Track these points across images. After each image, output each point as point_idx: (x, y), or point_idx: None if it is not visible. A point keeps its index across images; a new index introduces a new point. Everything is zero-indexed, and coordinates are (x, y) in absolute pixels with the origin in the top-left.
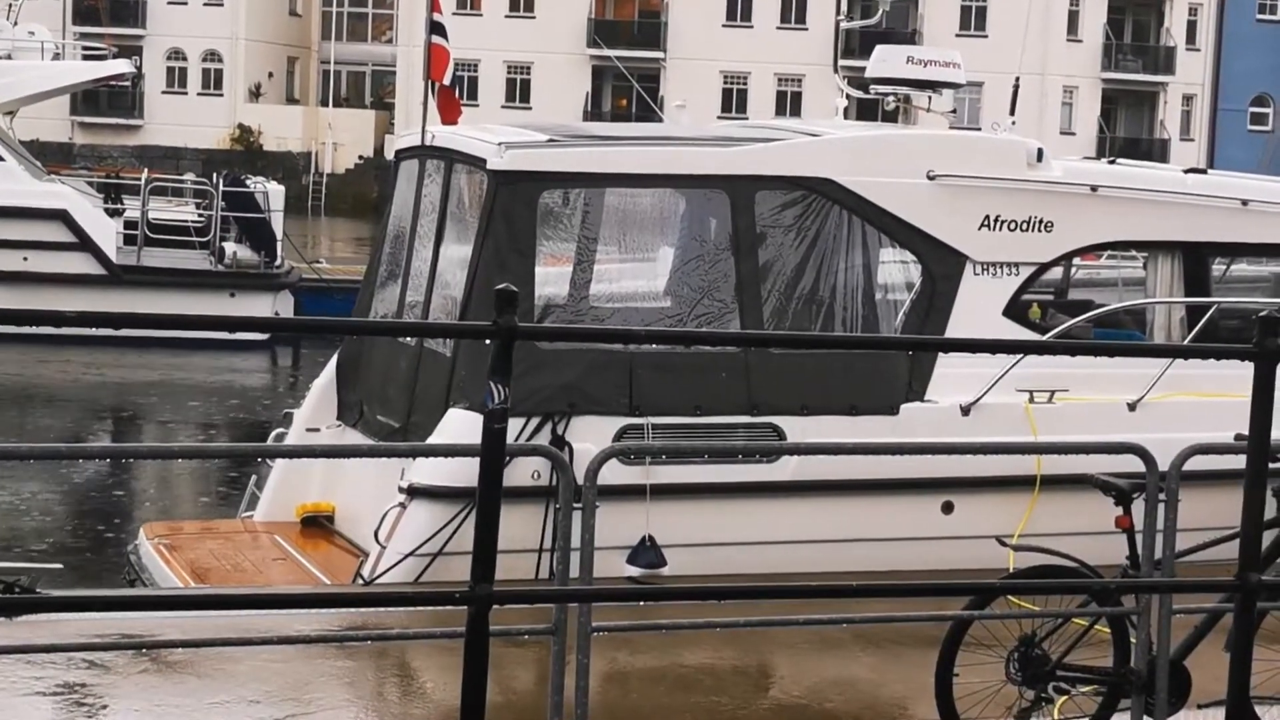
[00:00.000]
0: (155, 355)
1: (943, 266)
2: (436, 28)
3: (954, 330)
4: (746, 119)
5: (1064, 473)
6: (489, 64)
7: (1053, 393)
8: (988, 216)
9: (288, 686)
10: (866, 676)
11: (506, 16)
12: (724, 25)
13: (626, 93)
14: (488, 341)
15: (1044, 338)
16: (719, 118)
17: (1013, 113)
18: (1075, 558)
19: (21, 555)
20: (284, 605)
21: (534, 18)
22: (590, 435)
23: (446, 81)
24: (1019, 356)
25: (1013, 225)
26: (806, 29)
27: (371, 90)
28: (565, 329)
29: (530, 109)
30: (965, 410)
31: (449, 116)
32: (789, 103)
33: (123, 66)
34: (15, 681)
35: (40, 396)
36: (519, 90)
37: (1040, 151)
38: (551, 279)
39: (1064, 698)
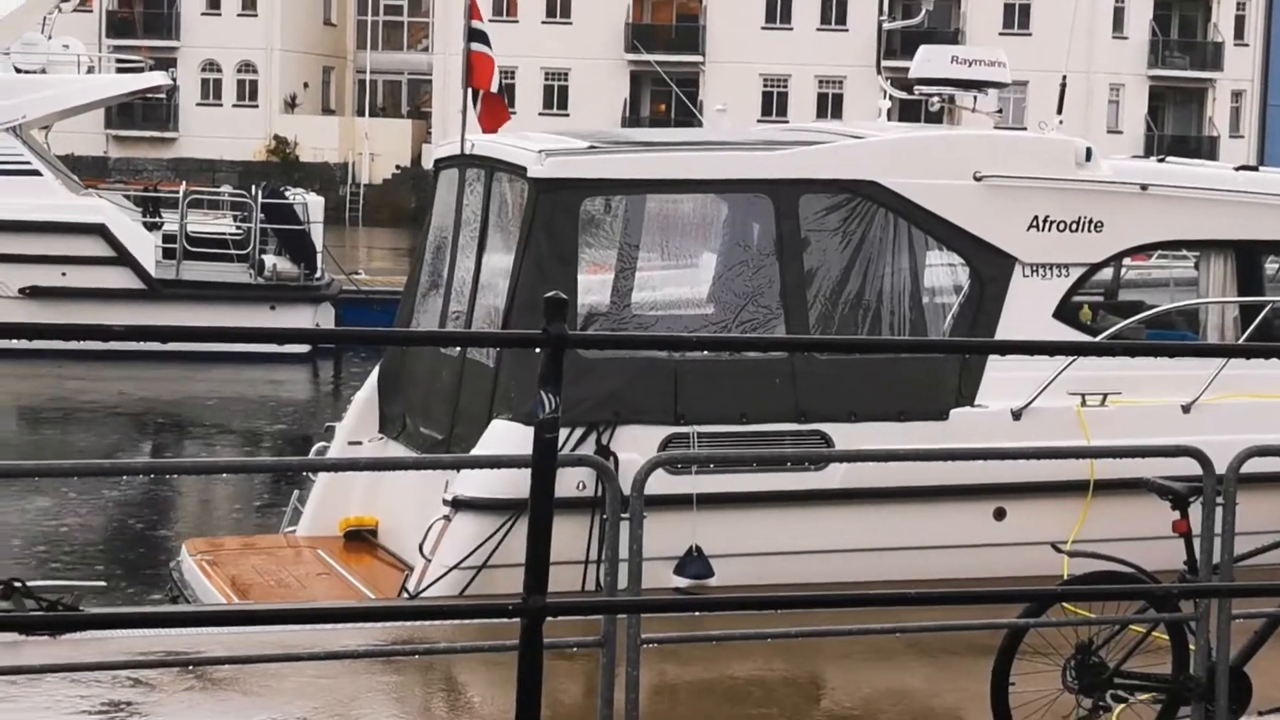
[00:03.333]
0: (196, 369)
1: (991, 269)
2: (477, 35)
3: (1003, 334)
4: (787, 122)
5: (1118, 477)
6: (526, 71)
7: (1105, 396)
8: (1036, 217)
9: (334, 703)
10: (920, 687)
11: (543, 23)
12: (763, 27)
13: (665, 98)
14: (537, 351)
15: (1096, 340)
16: (759, 121)
17: (1060, 111)
18: (1132, 563)
19: (64, 573)
20: (332, 620)
21: (571, 24)
22: (635, 445)
23: (493, 89)
24: (1070, 359)
25: (1061, 226)
26: (847, 30)
27: (408, 99)
28: (615, 336)
29: (568, 116)
30: (1016, 415)
31: (490, 124)
32: (830, 105)
33: (158, 78)
34: (61, 700)
35: (81, 413)
36: (556, 97)
37: (1089, 150)
38: (594, 287)
39: (1122, 706)
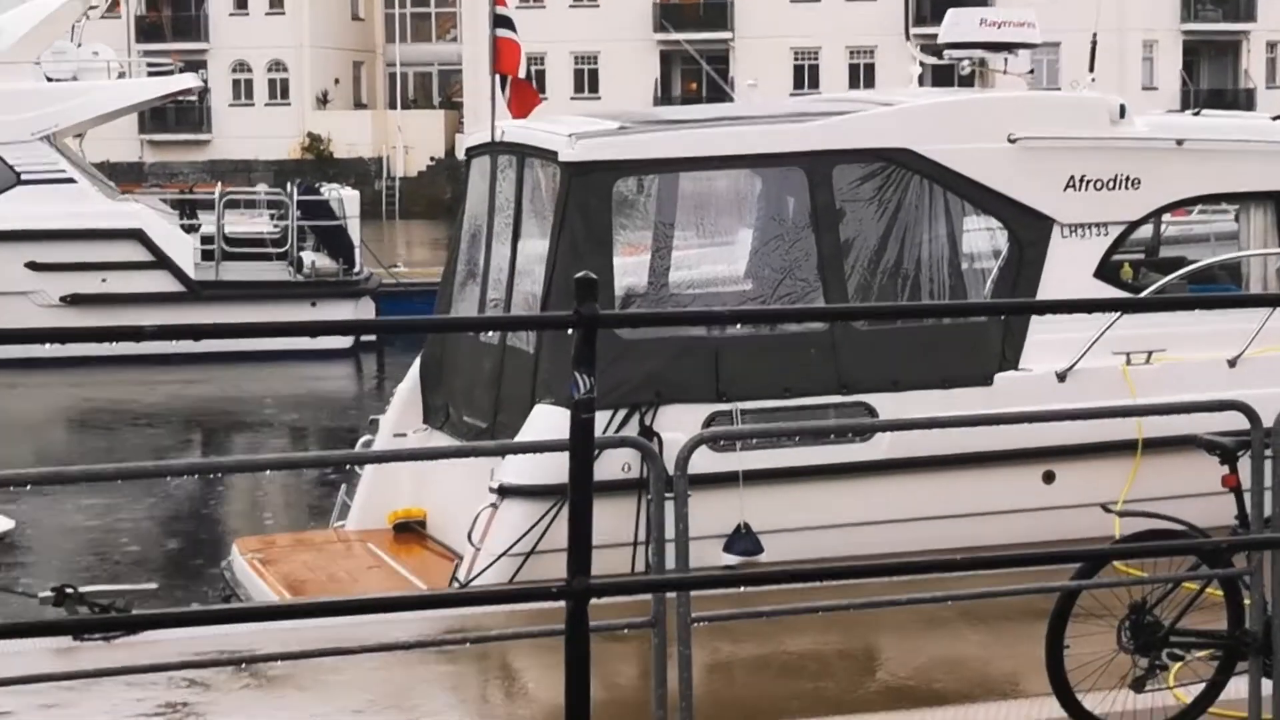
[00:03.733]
0: (239, 369)
1: (1029, 231)
2: (503, 21)
3: (1044, 295)
4: (819, 94)
5: (1166, 435)
6: (555, 56)
7: (1150, 353)
8: (1072, 177)
9: (389, 694)
10: (975, 654)
11: (571, 7)
12: (791, 1)
13: (696, 76)
14: (569, 332)
15: (1140, 295)
16: (791, 95)
17: (1092, 70)
18: (1183, 521)
19: (115, 578)
20: (380, 610)
21: (598, 6)
22: (679, 424)
23: (521, 74)
24: (1113, 319)
25: (1099, 184)
26: None
27: (439, 90)
28: (647, 314)
29: (599, 99)
30: (1061, 376)
31: (520, 110)
32: (862, 75)
33: (189, 81)
34: (117, 704)
35: (126, 417)
36: (587, 80)
37: (1122, 107)
38: (630, 269)
39: (1179, 664)
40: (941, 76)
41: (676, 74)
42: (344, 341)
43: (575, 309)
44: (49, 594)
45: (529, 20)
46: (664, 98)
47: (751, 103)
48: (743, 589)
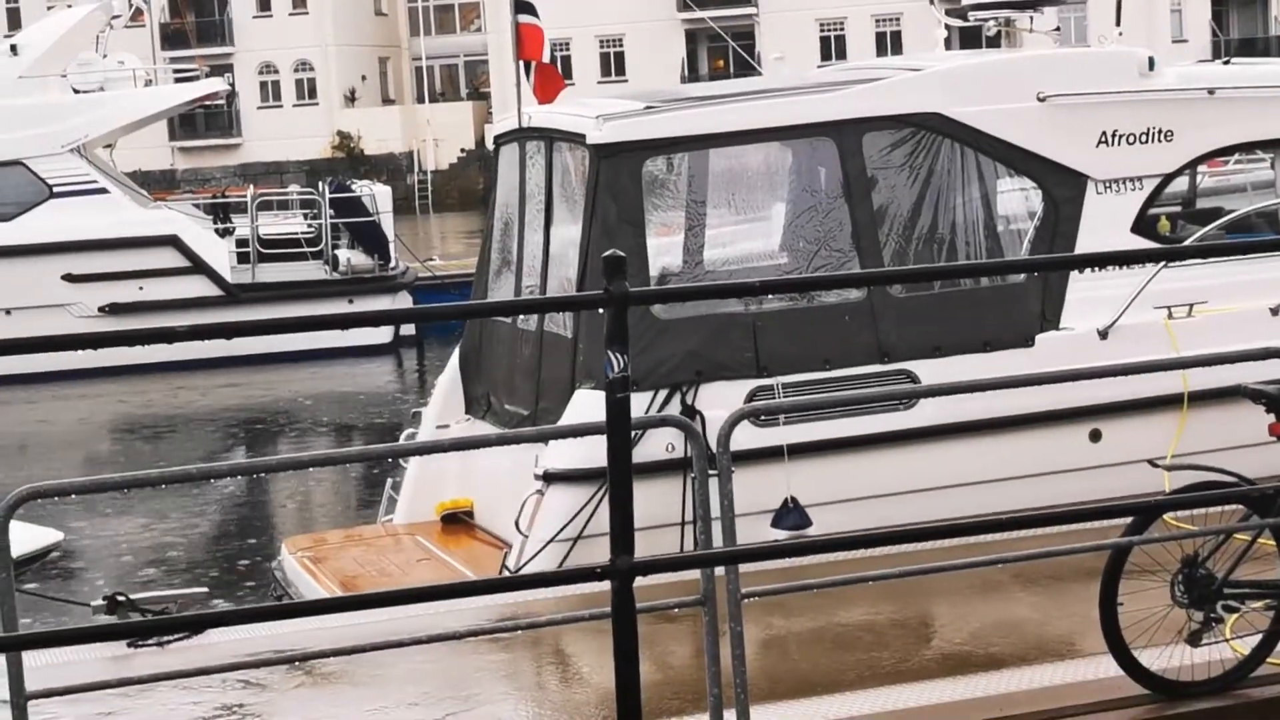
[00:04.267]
0: (279, 370)
1: (1064, 189)
2: (524, 7)
3: (1082, 252)
4: (847, 64)
5: (1212, 387)
6: (580, 40)
7: (1191, 306)
8: (1104, 133)
9: (445, 685)
10: (1029, 616)
11: None
12: None
13: (722, 53)
14: (601, 312)
15: (1182, 244)
16: (819, 67)
17: (1118, 24)
18: (1233, 472)
19: (166, 583)
20: (429, 599)
21: None
22: (721, 401)
23: (545, 58)
24: (1153, 273)
25: (1131, 139)
26: None
27: (466, 81)
28: (676, 289)
29: (626, 80)
30: (1103, 334)
31: (546, 95)
32: (889, 43)
33: (216, 85)
34: (173, 709)
35: (169, 423)
36: (613, 63)
37: (1151, 60)
38: (664, 249)
39: (1234, 615)
40: (969, 39)
41: (703, 52)
42: (383, 336)
43: (605, 287)
44: (101, 603)
45: (552, 5)
46: (691, 76)
47: (779, 76)
48: (793, 562)
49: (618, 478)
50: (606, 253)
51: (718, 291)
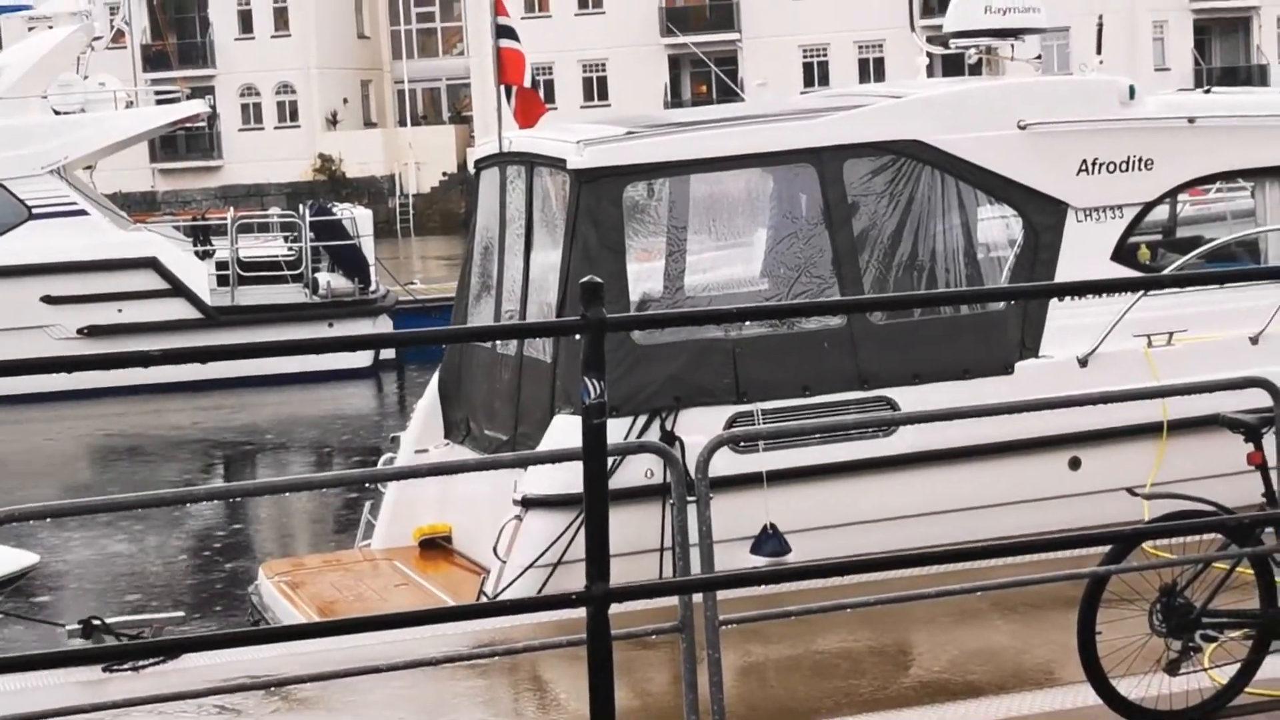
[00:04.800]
0: (257, 394)
1: (1044, 217)
2: (505, 31)
3: (1061, 281)
4: (829, 90)
5: (1191, 415)
6: (563, 64)
7: (1171, 334)
8: (1084, 161)
9: (422, 711)
10: (1008, 644)
11: (576, 15)
12: None
13: (705, 79)
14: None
15: (1160, 274)
16: (801, 93)
17: (1099, 52)
18: (1212, 501)
19: (141, 608)
20: (404, 625)
21: (604, 13)
22: (700, 427)
23: (526, 83)
24: (1133, 301)
25: (1111, 167)
26: None
27: (448, 105)
28: (654, 316)
29: (609, 105)
30: (1083, 361)
31: (527, 120)
32: (872, 69)
33: (196, 107)
34: None
35: (147, 446)
36: (596, 88)
37: (1131, 88)
38: (645, 274)
39: (1213, 645)
40: (951, 66)
41: (686, 77)
42: (363, 360)
43: (582, 313)
44: (76, 626)
45: (535, 30)
46: (674, 102)
47: (762, 102)
48: (771, 589)
49: (594, 504)
50: (584, 279)
51: (695, 318)
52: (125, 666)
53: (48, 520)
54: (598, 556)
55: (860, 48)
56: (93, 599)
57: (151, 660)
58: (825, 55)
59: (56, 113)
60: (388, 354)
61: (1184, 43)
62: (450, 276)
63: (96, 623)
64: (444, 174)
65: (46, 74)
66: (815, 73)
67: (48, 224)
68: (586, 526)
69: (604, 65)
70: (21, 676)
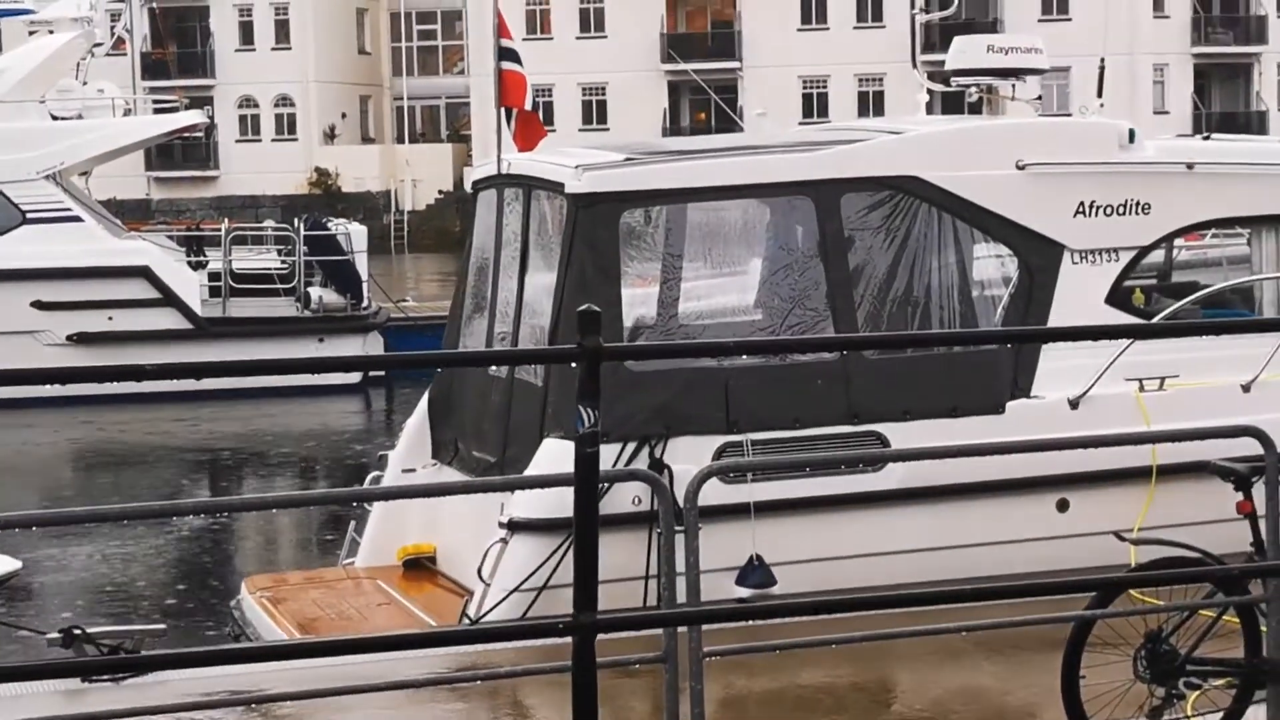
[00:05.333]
0: (246, 406)
1: (1039, 258)
2: (508, 53)
3: (1055, 323)
4: (829, 122)
5: (1181, 461)
6: (563, 87)
7: (1163, 379)
8: (1082, 203)
9: None
10: (991, 685)
11: (578, 38)
12: (799, 29)
13: (705, 106)
14: (573, 365)
15: (1152, 322)
16: (800, 124)
17: (1100, 95)
18: (1199, 548)
19: (124, 618)
20: (387, 648)
21: (605, 37)
22: (689, 456)
23: (527, 106)
24: (1126, 345)
25: (1109, 210)
26: (884, 26)
27: (447, 123)
28: (652, 347)
29: (608, 129)
30: (1074, 404)
31: (527, 143)
32: (871, 103)
33: (194, 117)
34: None
35: (133, 456)
36: (595, 112)
37: (1131, 132)
38: (639, 300)
39: (1196, 693)
40: (951, 104)
41: (685, 104)
42: (352, 377)
43: (578, 342)
44: (57, 635)
45: (536, 51)
46: (673, 128)
47: (761, 132)
48: (756, 621)
49: (584, 533)
50: (581, 307)
51: (691, 350)
52: (105, 678)
53: (32, 528)
54: (586, 586)
55: (860, 81)
56: (74, 607)
57: (132, 672)
58: (825, 87)
59: (54, 118)
60: (378, 371)
61: (1184, 87)
62: (443, 295)
63: (78, 632)
64: (440, 192)
65: (46, 79)
66: (814, 104)
67: (41, 229)
68: (575, 555)
69: (604, 89)
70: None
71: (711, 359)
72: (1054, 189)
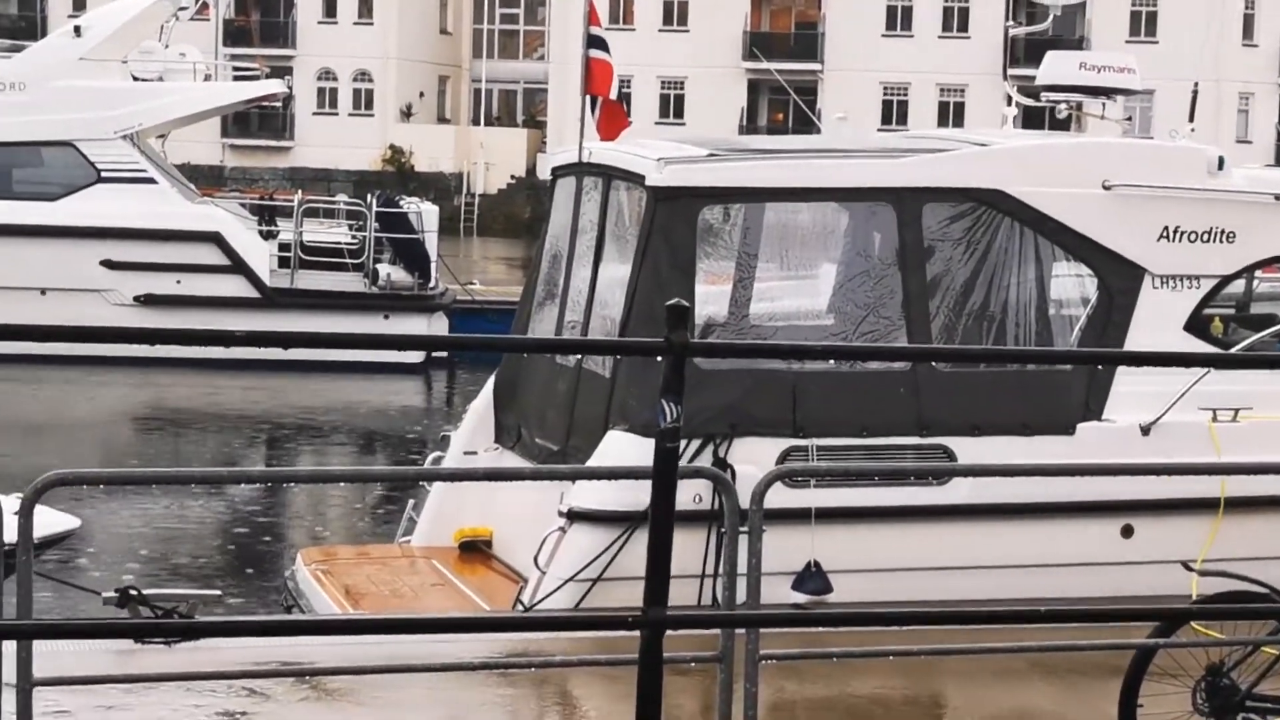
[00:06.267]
0: (308, 379)
1: (1120, 280)
2: (597, 41)
3: (1132, 346)
4: (907, 130)
5: (1250, 494)
6: (642, 79)
7: (1236, 411)
8: (1166, 227)
9: (449, 715)
10: (1046, 708)
11: (660, 30)
12: (883, 35)
13: (783, 106)
14: (658, 359)
15: (1231, 352)
16: (879, 130)
17: (1191, 119)
18: (1264, 582)
19: (179, 581)
20: (454, 630)
21: (688, 31)
22: (753, 457)
23: (613, 96)
24: (1201, 373)
25: (1193, 236)
26: (969, 37)
27: (523, 108)
28: (738, 345)
29: (684, 124)
30: (1145, 430)
31: (609, 132)
32: (951, 113)
33: (275, 86)
34: (177, 709)
35: (192, 420)
36: (673, 106)
37: (1221, 159)
38: (711, 298)
39: None
40: (1030, 118)
41: (763, 103)
42: (415, 356)
43: (666, 336)
44: (113, 595)
45: (618, 42)
46: (750, 127)
47: (840, 136)
48: (811, 629)
49: (659, 527)
50: (671, 302)
51: (777, 351)
52: (157, 640)
53: (100, 487)
54: (658, 581)
55: (942, 90)
56: (129, 568)
57: (184, 637)
58: (906, 95)
59: (135, 79)
60: (440, 352)
61: (1269, 117)
62: (508, 280)
63: (133, 593)
64: (512, 176)
65: (129, 40)
66: (894, 111)
67: (115, 189)
68: (650, 550)
69: (683, 84)
70: (56, 641)
71: (781, 362)
72: (1139, 211)
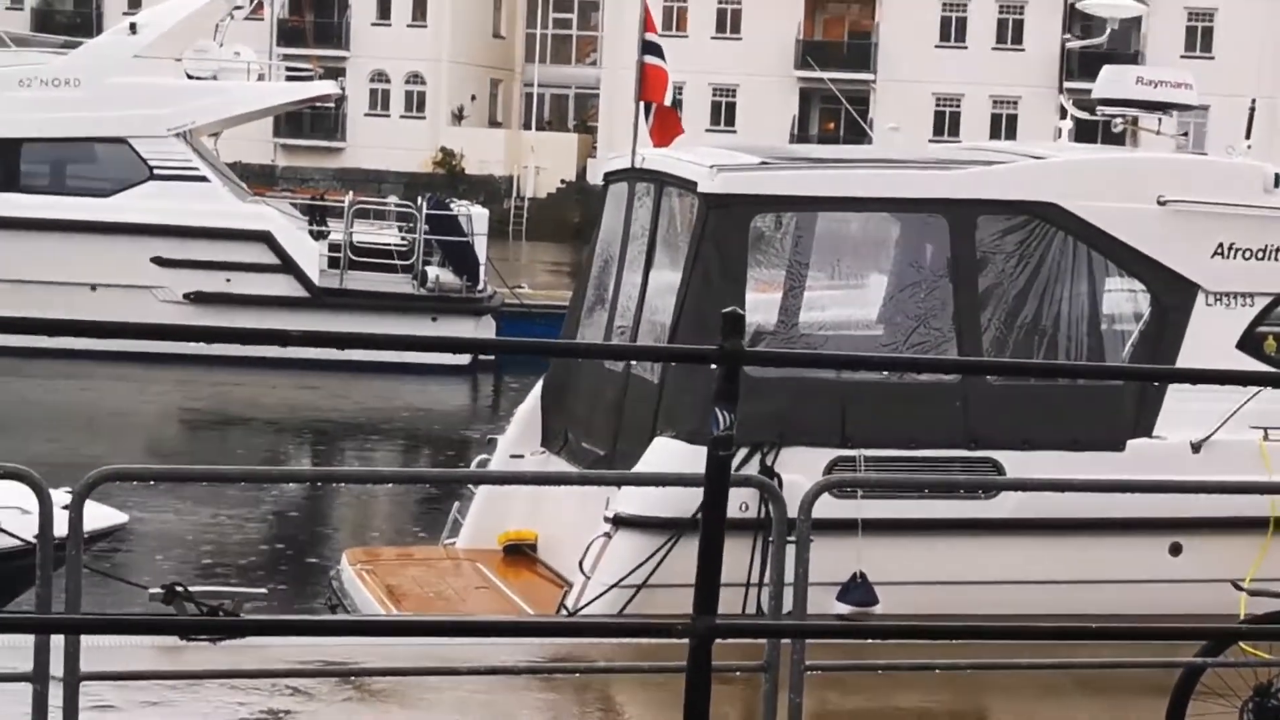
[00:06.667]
0: (354, 379)
1: (1173, 296)
2: (651, 47)
3: (1184, 363)
4: (959, 142)
5: None
6: (694, 86)
7: None
8: (1221, 244)
9: (490, 718)
10: None
11: (713, 38)
12: (937, 46)
13: (835, 115)
14: (713, 367)
15: None
16: (930, 141)
17: (1248, 136)
18: None
19: (225, 579)
20: (497, 633)
21: (740, 39)
22: (800, 466)
23: (667, 102)
24: (1254, 391)
25: (1247, 254)
26: (1023, 50)
27: (574, 113)
28: (791, 355)
29: (735, 132)
30: (1196, 447)
31: (662, 139)
32: (1004, 125)
33: (328, 87)
34: (220, 706)
35: (237, 419)
36: (724, 113)
37: (1277, 176)
38: (761, 306)
39: None
40: (1085, 133)
41: (815, 112)
42: (462, 358)
43: (720, 344)
44: (159, 591)
45: (671, 49)
46: (801, 135)
47: (892, 146)
48: (856, 640)
49: (710, 535)
50: (726, 309)
51: (828, 361)
52: (203, 637)
53: (151, 483)
54: (708, 589)
55: (995, 102)
56: (174, 564)
57: (229, 635)
58: (958, 106)
59: (189, 77)
60: (487, 355)
61: None
62: (557, 284)
63: (179, 589)
64: (562, 181)
65: (184, 38)
66: (946, 122)
67: (167, 186)
68: (700, 558)
69: (734, 91)
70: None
71: (830, 371)
72: (1194, 228)
